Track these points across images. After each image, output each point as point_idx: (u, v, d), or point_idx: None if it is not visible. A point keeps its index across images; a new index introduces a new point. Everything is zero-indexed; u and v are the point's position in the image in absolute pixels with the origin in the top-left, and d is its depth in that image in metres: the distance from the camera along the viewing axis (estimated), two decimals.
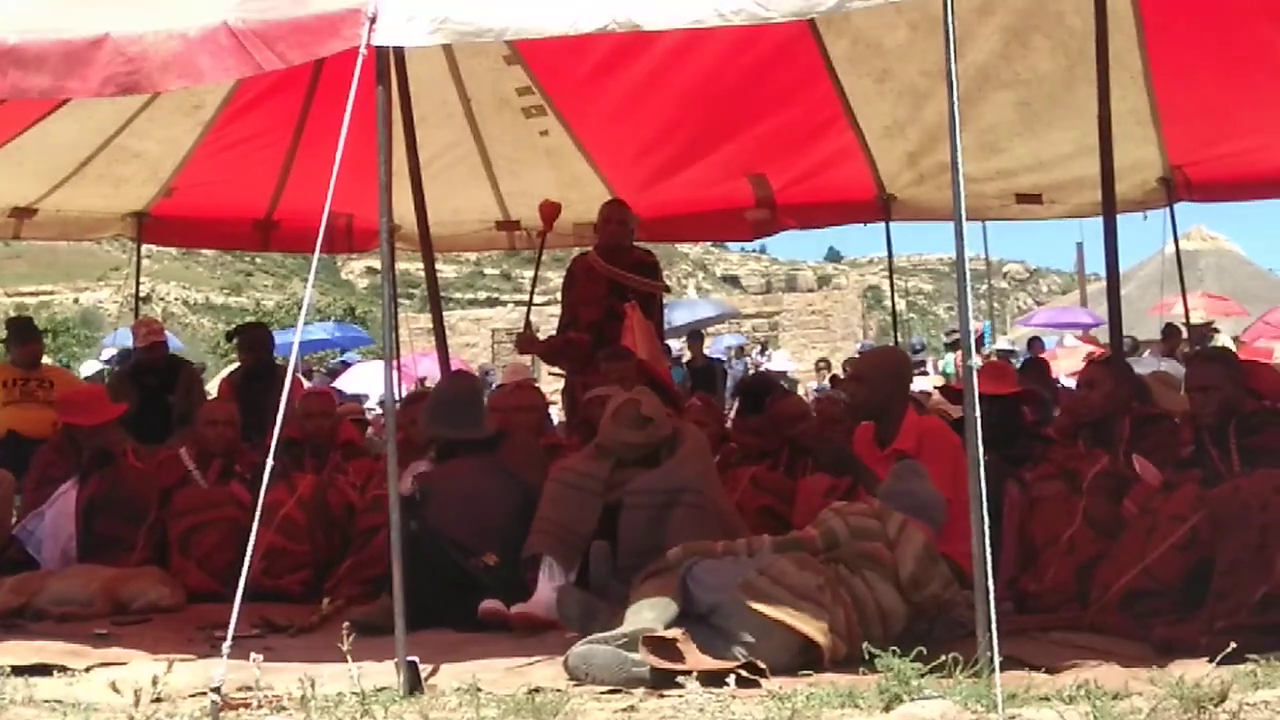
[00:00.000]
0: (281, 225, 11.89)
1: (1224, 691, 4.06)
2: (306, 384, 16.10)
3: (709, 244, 68.58)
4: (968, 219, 4.63)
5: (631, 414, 6.95)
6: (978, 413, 4.47)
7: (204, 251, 55.69)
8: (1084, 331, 27.27)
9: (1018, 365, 13.43)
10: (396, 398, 7.40)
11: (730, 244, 70.00)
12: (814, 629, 5.32)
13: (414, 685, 4.97)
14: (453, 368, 11.04)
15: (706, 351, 22.57)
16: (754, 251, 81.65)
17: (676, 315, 23.77)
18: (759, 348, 32.79)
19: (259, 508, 5.06)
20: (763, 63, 9.67)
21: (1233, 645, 4.35)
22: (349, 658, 4.18)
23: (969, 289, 4.73)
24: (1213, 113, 9.63)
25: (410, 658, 5.01)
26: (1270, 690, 4.13)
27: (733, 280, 75.88)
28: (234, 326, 12.38)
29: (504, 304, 50.42)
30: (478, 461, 7.37)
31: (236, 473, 8.26)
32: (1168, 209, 10.85)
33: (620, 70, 9.86)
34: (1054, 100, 9.69)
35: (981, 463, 4.45)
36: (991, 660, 4.23)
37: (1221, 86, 9.16)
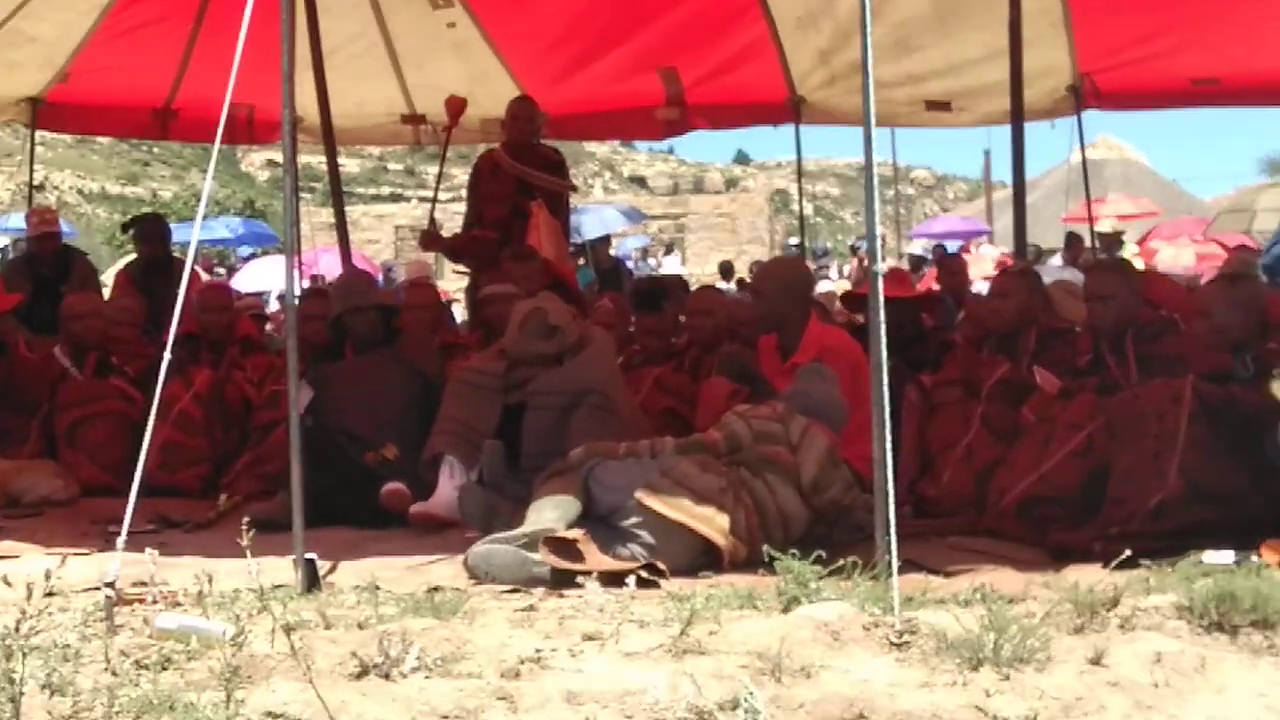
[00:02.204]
0: (180, 114, 11.65)
1: (1116, 597, 4.11)
2: (205, 278, 15.91)
3: (617, 144, 68.23)
4: (878, 125, 4.60)
5: (539, 323, 6.89)
6: (882, 317, 4.46)
7: (100, 140, 54.62)
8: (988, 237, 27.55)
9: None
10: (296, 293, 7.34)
11: (638, 144, 69.72)
12: (714, 531, 5.35)
13: (312, 582, 4.94)
14: (354, 263, 10.97)
15: (613, 252, 22.52)
16: (662, 152, 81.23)
17: (587, 226, 23.71)
18: (663, 249, 32.81)
19: (155, 402, 4.98)
20: None
21: (1127, 551, 4.41)
22: (248, 554, 4.13)
23: (876, 195, 4.71)
24: (1124, 12, 9.64)
25: (308, 555, 4.97)
26: (1161, 595, 4.19)
27: (640, 181, 75.46)
28: (130, 217, 12.14)
29: (408, 200, 49.91)
30: (373, 356, 7.37)
31: (115, 365, 8.17)
32: (1075, 117, 10.91)
33: None
34: None
35: (885, 367, 4.45)
36: (889, 564, 4.26)
37: None
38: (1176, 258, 15.40)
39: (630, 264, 24.48)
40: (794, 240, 27.63)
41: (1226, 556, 4.97)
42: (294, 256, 5.78)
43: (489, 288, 8.37)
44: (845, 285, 16.88)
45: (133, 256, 11.54)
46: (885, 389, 4.45)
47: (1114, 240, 16.22)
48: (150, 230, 10.76)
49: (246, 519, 4.30)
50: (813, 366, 6.43)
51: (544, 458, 6.07)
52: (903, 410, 6.83)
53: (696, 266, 33.12)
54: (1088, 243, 15.33)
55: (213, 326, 8.44)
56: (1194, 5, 9.28)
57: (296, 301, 5.90)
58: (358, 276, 8.82)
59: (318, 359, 7.58)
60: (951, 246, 25.09)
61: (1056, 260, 17.18)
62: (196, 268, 13.05)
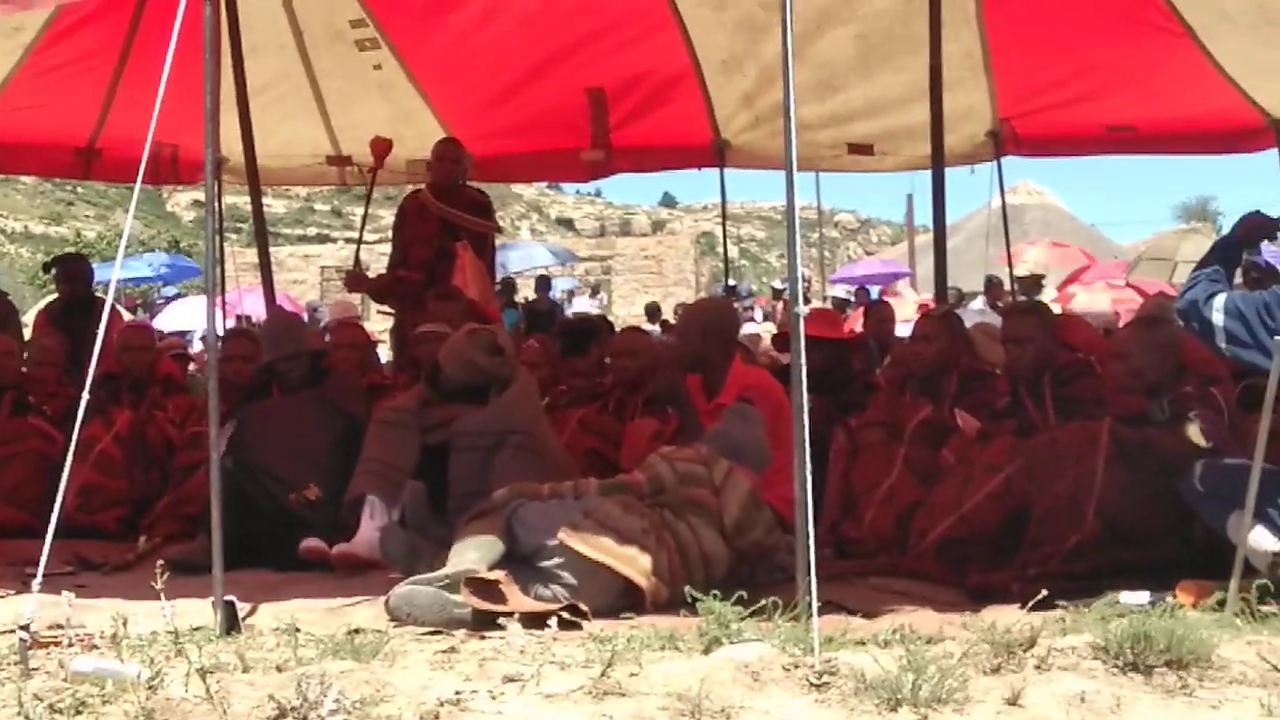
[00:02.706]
0: (104, 154, 11.53)
1: (1033, 637, 4.15)
2: (128, 317, 15.78)
3: (544, 186, 68.32)
4: (801, 168, 4.65)
5: (487, 340, 6.85)
6: (803, 359, 4.49)
7: (23, 179, 54.04)
8: (909, 280, 27.76)
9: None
10: (219, 333, 7.32)
11: (566, 186, 69.90)
12: (636, 571, 5.36)
13: (231, 625, 4.90)
14: (279, 305, 10.92)
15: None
16: (589, 195, 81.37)
17: (514, 261, 23.70)
18: (589, 291, 32.89)
19: (73, 442, 4.95)
20: None
21: (1044, 592, 4.45)
22: (162, 596, 4.10)
23: (798, 238, 4.75)
24: (1043, 57, 9.78)
25: (228, 597, 4.94)
26: (1077, 636, 4.23)
27: (567, 223, 75.49)
28: (52, 257, 12.03)
29: (334, 241, 49.66)
30: (299, 397, 7.34)
31: (32, 404, 8.10)
32: (995, 163, 11.03)
33: (455, 3, 9.74)
34: (891, 37, 9.73)
35: (805, 408, 4.47)
36: (810, 605, 4.28)
37: (1052, 28, 9.31)
38: (1092, 303, 15.61)
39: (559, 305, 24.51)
40: (731, 283, 27.76)
41: (1142, 597, 5.03)
42: (215, 297, 5.76)
43: (421, 327, 8.35)
44: (769, 327, 16.94)
45: (55, 296, 11.43)
46: (806, 430, 4.47)
47: (1034, 284, 16.38)
48: (72, 270, 10.68)
49: (161, 561, 4.27)
50: (738, 408, 6.43)
51: (471, 498, 6.05)
52: (830, 452, 6.87)
53: (623, 308, 33.18)
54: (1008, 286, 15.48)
55: (134, 366, 8.38)
56: (1110, 52, 9.42)
57: (219, 342, 5.88)
58: (287, 321, 8.73)
59: (244, 399, 7.54)
60: (874, 290, 25.29)
61: (977, 303, 17.35)
62: (118, 307, 12.93)
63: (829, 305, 21.17)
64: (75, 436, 4.95)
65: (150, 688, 3.79)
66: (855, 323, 14.61)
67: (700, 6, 9.84)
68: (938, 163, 8.63)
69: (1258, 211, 5.74)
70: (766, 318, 23.53)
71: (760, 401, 6.64)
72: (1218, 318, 5.27)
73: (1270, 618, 4.53)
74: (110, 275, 7.31)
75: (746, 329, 14.39)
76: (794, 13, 4.68)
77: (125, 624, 4.19)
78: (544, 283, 21.95)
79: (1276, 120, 10.21)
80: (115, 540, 7.19)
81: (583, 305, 27.51)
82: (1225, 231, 6.00)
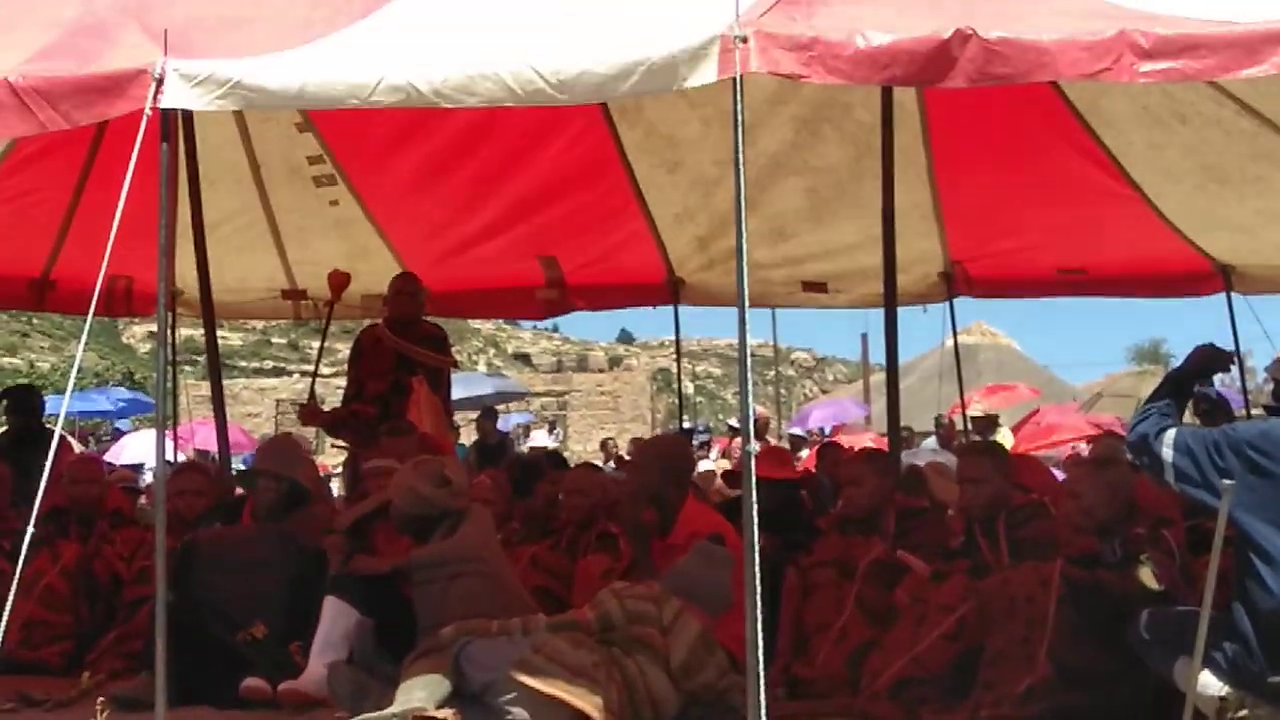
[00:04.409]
0: (59, 285, 11.47)
1: None
2: (78, 448, 15.65)
3: (501, 321, 68.51)
4: (755, 305, 4.69)
5: (434, 471, 6.73)
6: (754, 498, 4.49)
7: None
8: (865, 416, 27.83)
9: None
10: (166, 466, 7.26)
11: (522, 321, 69.97)
12: (589, 705, 5.32)
13: None
14: (231, 437, 10.85)
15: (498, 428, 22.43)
16: (546, 330, 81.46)
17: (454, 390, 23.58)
18: (547, 426, 32.85)
19: (17, 577, 4.89)
20: (558, 147, 9.74)
21: None
22: None
23: (749, 374, 4.78)
24: (992, 210, 9.97)
25: None
26: None
27: (524, 358, 75.46)
28: (2, 389, 11.94)
29: (290, 374, 49.57)
30: (261, 528, 7.24)
31: None
32: (948, 303, 11.14)
33: (414, 144, 9.83)
34: (841, 190, 9.91)
35: (756, 547, 4.47)
36: None
37: (1000, 185, 9.50)
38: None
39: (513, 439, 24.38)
40: (687, 424, 27.61)
41: None
42: (164, 429, 5.73)
43: (373, 461, 8.29)
44: (725, 464, 16.94)
45: (4, 429, 11.33)
46: (756, 568, 4.46)
47: (989, 424, 16.45)
48: (20, 401, 10.60)
49: (100, 699, 4.21)
50: (705, 547, 6.22)
51: (436, 631, 5.95)
52: (782, 592, 6.83)
53: (579, 444, 33.15)
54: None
55: (81, 499, 8.26)
56: (1059, 207, 9.60)
57: (169, 475, 5.84)
58: (290, 441, 8.55)
59: (209, 519, 7.49)
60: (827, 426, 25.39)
61: (930, 442, 17.37)
62: (69, 439, 12.84)
63: (785, 443, 21.18)
64: (19, 570, 4.89)
65: None
66: (810, 462, 14.63)
67: (655, 169, 10.01)
68: (890, 302, 8.71)
69: (1210, 344, 5.78)
70: (724, 456, 23.55)
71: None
72: (1167, 453, 5.26)
73: None
74: (77, 407, 7.30)
75: (700, 466, 14.41)
76: (746, 163, 4.75)
77: None
78: (490, 414, 21.77)
79: (1224, 265, 10.38)
80: (59, 676, 7.06)
81: (540, 438, 27.41)
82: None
